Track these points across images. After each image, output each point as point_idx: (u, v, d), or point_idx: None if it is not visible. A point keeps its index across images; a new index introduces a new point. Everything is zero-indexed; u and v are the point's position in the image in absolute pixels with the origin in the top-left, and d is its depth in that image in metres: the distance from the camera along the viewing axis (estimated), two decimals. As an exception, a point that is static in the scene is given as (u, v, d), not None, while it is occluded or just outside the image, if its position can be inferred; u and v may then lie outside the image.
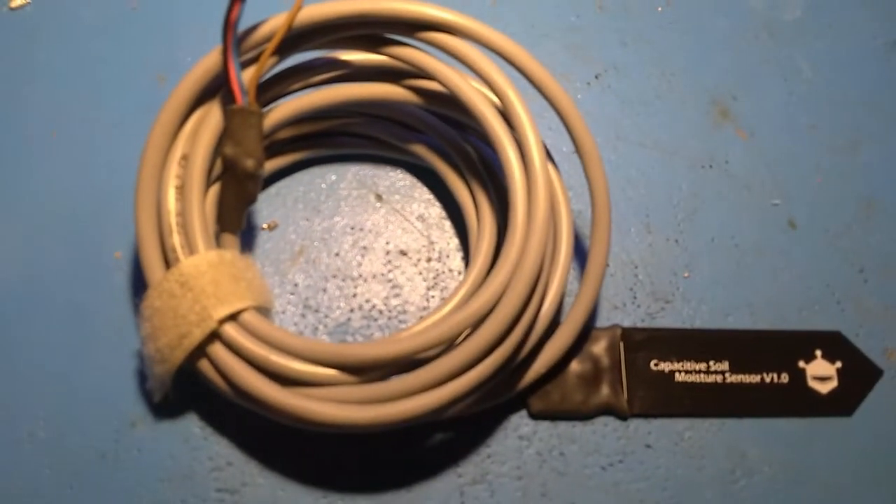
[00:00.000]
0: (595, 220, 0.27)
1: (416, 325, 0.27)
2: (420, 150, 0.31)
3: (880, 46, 0.36)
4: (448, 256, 0.31)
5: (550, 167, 0.28)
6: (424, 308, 0.30)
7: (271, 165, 0.31)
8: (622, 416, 0.29)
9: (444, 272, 0.31)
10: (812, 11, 0.37)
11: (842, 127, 0.35)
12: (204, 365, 0.25)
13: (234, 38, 0.24)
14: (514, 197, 0.26)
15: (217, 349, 0.25)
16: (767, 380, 0.30)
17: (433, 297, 0.31)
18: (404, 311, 0.30)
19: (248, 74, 0.26)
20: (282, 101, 0.29)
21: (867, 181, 0.34)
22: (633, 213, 0.32)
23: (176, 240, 0.25)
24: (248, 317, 0.25)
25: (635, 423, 0.29)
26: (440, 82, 0.27)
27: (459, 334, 0.25)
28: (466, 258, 0.31)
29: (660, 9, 0.36)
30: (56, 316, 0.29)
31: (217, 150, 0.26)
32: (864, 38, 0.36)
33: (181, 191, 0.26)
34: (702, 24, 0.36)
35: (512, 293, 0.25)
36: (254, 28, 0.25)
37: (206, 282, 0.25)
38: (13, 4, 0.34)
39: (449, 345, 0.26)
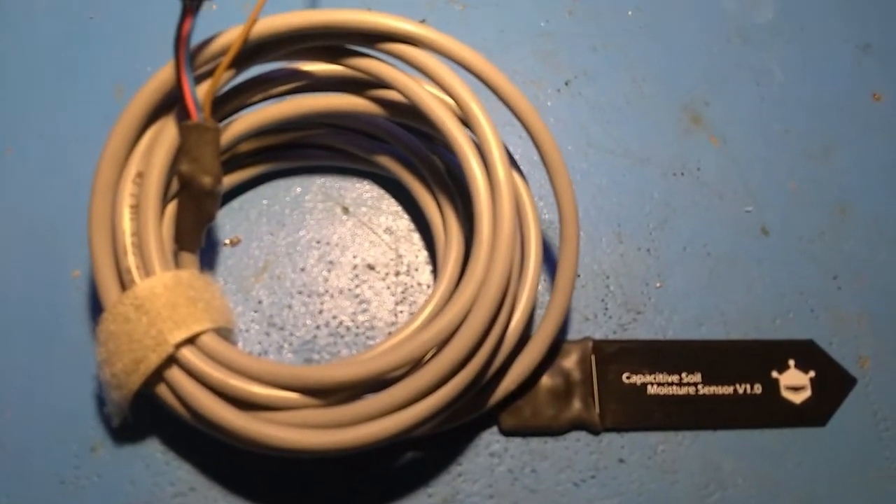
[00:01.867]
0: (563, 232, 0.27)
1: (381, 345, 0.26)
2: (386, 161, 0.30)
3: (852, 50, 0.36)
4: (417, 270, 0.31)
5: (517, 177, 0.27)
6: (393, 323, 0.30)
7: (233, 179, 0.30)
8: (594, 431, 0.28)
9: (412, 286, 0.30)
10: (784, 14, 0.36)
11: (815, 132, 0.34)
12: (162, 390, 0.24)
13: (186, 53, 0.23)
14: (478, 209, 0.25)
15: (174, 374, 0.24)
16: (741, 391, 0.29)
17: (402, 311, 0.30)
18: (372, 328, 0.30)
19: (203, 89, 0.25)
20: (241, 113, 0.28)
21: (840, 187, 0.33)
22: (604, 222, 0.32)
23: (131, 261, 0.25)
24: (207, 339, 0.24)
25: (608, 438, 0.28)
26: (400, 92, 0.26)
27: (425, 353, 0.24)
28: (436, 272, 0.30)
29: (630, 13, 0.35)
30: (13, 336, 0.28)
31: (173, 167, 0.26)
32: (836, 42, 0.36)
33: (136, 210, 0.25)
34: (673, 28, 0.35)
35: (479, 310, 0.24)
36: (208, 41, 0.25)
37: (161, 305, 0.24)
38: (-35, 15, 0.33)
39: (415, 364, 0.25)
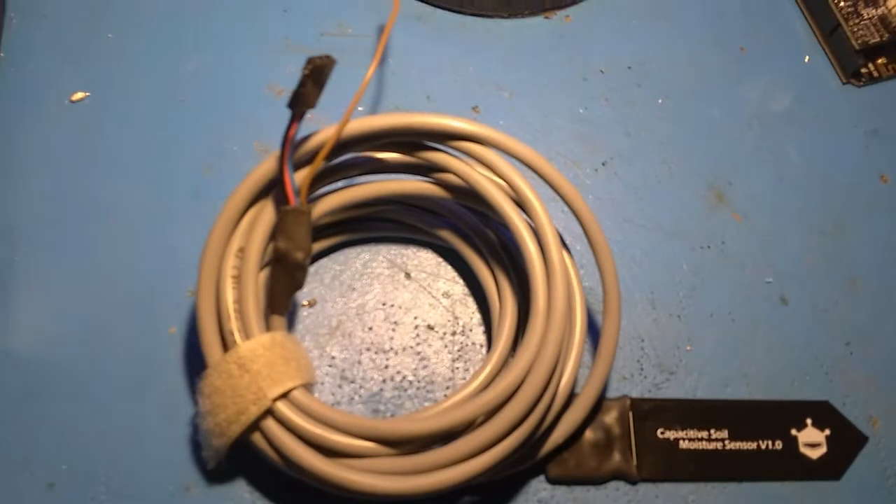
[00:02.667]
0: (606, 306, 0.30)
1: (447, 401, 0.30)
2: (446, 234, 0.34)
3: (861, 135, 0.40)
4: (471, 330, 0.34)
5: (565, 254, 0.31)
6: (450, 379, 0.33)
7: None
8: (632, 481, 0.32)
9: (467, 345, 0.34)
10: (799, 103, 0.40)
11: (827, 210, 0.38)
12: (257, 438, 0.28)
13: (291, 150, 0.27)
14: (534, 286, 0.29)
15: (270, 424, 0.28)
16: (763, 446, 0.32)
17: (458, 368, 0.34)
18: (432, 382, 0.33)
19: (300, 178, 0.29)
20: (324, 191, 0.32)
21: (852, 261, 0.37)
22: (638, 289, 0.35)
23: (233, 325, 0.28)
24: (298, 394, 0.28)
25: (644, 487, 0.32)
26: (467, 182, 0.30)
27: (488, 412, 0.28)
28: (488, 332, 0.34)
29: (660, 101, 0.39)
30: (117, 387, 0.32)
31: (269, 242, 0.30)
32: (846, 128, 0.40)
33: (238, 280, 0.29)
34: (699, 114, 0.39)
35: (535, 375, 0.28)
36: (306, 139, 0.29)
37: (261, 364, 0.28)
38: (74, 98, 0.37)
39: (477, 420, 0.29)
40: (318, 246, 0.34)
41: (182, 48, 0.38)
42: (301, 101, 0.26)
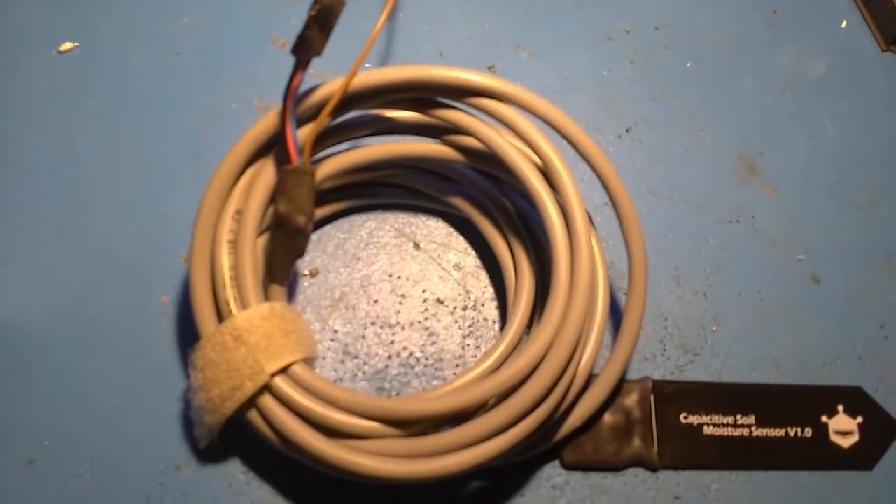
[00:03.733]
0: (632, 282, 0.28)
1: (458, 380, 0.28)
2: (458, 201, 0.32)
3: (901, 105, 0.37)
4: (483, 305, 0.32)
5: (591, 229, 0.29)
6: (460, 356, 0.31)
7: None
8: (652, 468, 0.30)
9: (479, 321, 0.32)
10: (835, 70, 0.38)
11: (863, 183, 0.36)
12: (253, 416, 0.26)
13: (293, 103, 0.25)
14: (557, 259, 0.27)
15: (267, 401, 0.26)
16: (792, 434, 0.30)
17: (469, 345, 0.31)
18: (441, 359, 0.31)
19: (303, 134, 0.26)
20: (328, 153, 0.30)
21: (888, 238, 0.35)
22: (662, 265, 0.33)
23: (229, 293, 0.26)
24: (297, 369, 0.26)
25: (665, 475, 0.30)
26: (484, 143, 0.28)
27: (504, 391, 0.26)
28: (501, 308, 0.32)
29: (689, 65, 0.37)
30: (104, 358, 0.30)
31: (268, 205, 0.27)
32: (885, 97, 0.38)
33: (234, 245, 0.27)
34: (729, 80, 0.37)
35: (555, 354, 0.25)
36: (310, 92, 0.26)
37: (258, 336, 0.25)
38: (62, 49, 0.34)
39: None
40: (321, 212, 0.32)
41: (177, -3, 0.36)
42: (306, 47, 0.24)
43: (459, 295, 0.32)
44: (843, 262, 0.34)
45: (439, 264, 0.33)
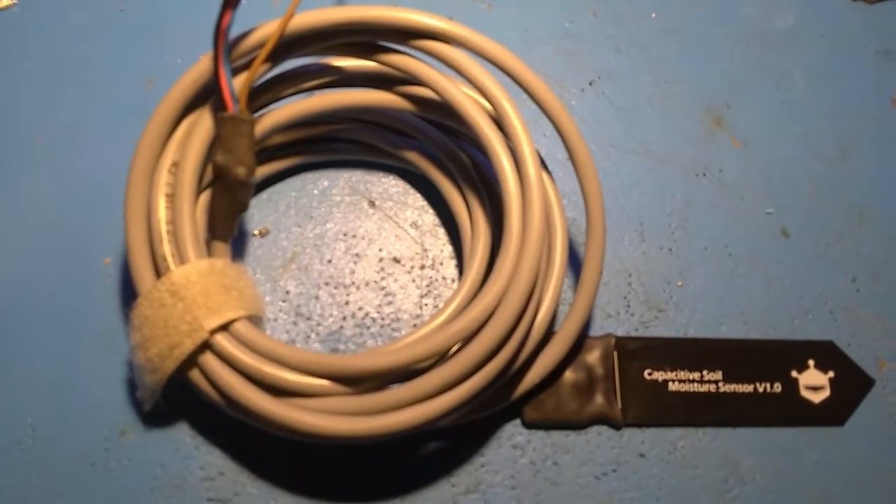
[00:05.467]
0: (589, 231, 0.27)
1: (410, 336, 0.26)
2: (413, 156, 0.31)
3: (872, 55, 0.36)
4: (441, 264, 0.31)
5: (545, 176, 0.28)
6: (418, 316, 0.30)
7: (262, 171, 0.30)
8: (616, 426, 0.29)
9: (437, 280, 0.31)
10: (804, 20, 0.37)
11: (834, 135, 0.35)
12: (195, 375, 0.25)
13: (225, 46, 0.24)
14: (508, 208, 0.25)
15: (208, 359, 0.24)
16: (760, 389, 0.30)
17: (426, 304, 0.30)
18: (397, 319, 0.30)
19: (240, 81, 0.25)
20: (273, 106, 0.29)
21: (859, 190, 0.34)
22: (626, 220, 0.32)
23: (166, 248, 0.25)
24: (240, 326, 0.25)
25: (629, 433, 0.29)
26: (434, 90, 0.27)
27: (454, 345, 0.25)
28: (460, 266, 0.31)
29: (654, 15, 0.36)
30: (46, 322, 0.29)
31: (208, 157, 0.26)
32: (855, 47, 0.36)
33: (171, 199, 0.25)
34: (695, 31, 0.36)
35: (507, 305, 0.24)
36: (245, 35, 0.25)
37: (197, 291, 0.24)
38: (1, 5, 0.33)
39: (443, 355, 0.26)
40: (271, 168, 0.31)
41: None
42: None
43: (416, 254, 0.31)
44: (813, 214, 0.33)
45: (395, 222, 0.31)
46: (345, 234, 0.31)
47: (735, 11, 0.37)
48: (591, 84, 0.34)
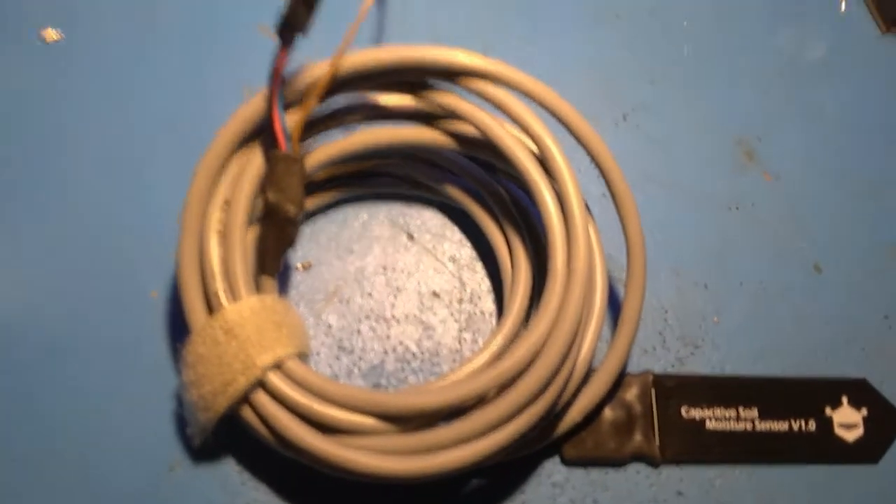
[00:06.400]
0: (630, 272, 0.27)
1: (455, 373, 0.27)
2: (453, 191, 0.31)
3: (903, 89, 0.37)
4: (480, 298, 0.31)
5: (588, 218, 0.28)
6: (457, 350, 0.31)
7: (306, 204, 0.31)
8: (654, 464, 0.29)
9: (476, 314, 0.31)
10: (836, 52, 0.37)
11: (865, 169, 0.35)
12: (246, 412, 0.25)
13: (280, 86, 0.24)
14: (553, 247, 0.26)
15: (261, 397, 0.25)
16: (795, 427, 0.30)
17: (465, 339, 0.31)
18: (437, 354, 0.30)
19: (292, 120, 0.26)
20: (318, 140, 0.29)
21: (891, 226, 0.34)
22: (661, 256, 0.33)
23: (219, 285, 0.25)
24: (291, 364, 0.25)
25: (667, 471, 0.29)
26: (479, 129, 0.27)
27: (502, 384, 0.25)
28: (498, 300, 0.31)
29: (685, 49, 0.36)
30: (95, 356, 0.29)
31: (258, 194, 0.26)
32: (886, 80, 0.37)
33: (223, 236, 0.26)
34: (727, 64, 0.36)
35: (553, 345, 0.25)
36: (298, 74, 0.26)
37: (249, 329, 0.25)
38: (48, 39, 0.34)
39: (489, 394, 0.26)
40: (313, 203, 0.31)
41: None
42: (291, 24, 0.23)
43: (455, 287, 0.31)
44: (846, 250, 0.33)
45: (434, 256, 0.32)
46: (385, 268, 0.31)
47: (767, 44, 0.37)
48: (625, 117, 0.35)
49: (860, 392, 0.31)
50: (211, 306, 0.26)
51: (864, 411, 0.31)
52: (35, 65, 0.33)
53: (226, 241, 0.26)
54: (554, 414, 0.27)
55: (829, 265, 0.33)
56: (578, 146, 0.27)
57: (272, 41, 0.34)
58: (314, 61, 0.26)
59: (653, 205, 0.34)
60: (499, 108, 0.27)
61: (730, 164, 0.35)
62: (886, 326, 0.32)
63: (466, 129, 0.29)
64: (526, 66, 0.35)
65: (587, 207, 0.29)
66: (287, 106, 0.26)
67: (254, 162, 0.26)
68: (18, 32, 0.34)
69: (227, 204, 0.26)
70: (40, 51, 0.34)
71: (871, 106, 0.36)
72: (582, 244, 0.26)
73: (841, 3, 0.39)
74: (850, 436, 0.30)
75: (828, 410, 0.30)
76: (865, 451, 0.30)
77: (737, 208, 0.34)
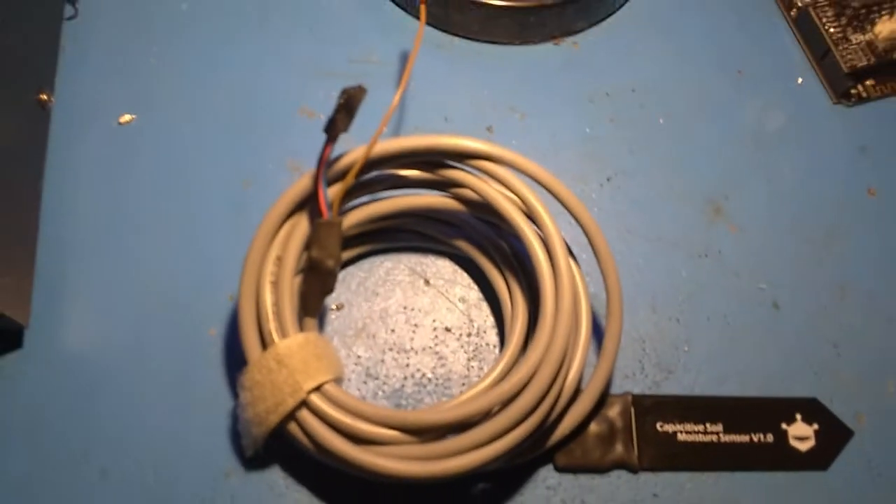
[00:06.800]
0: (609, 309, 0.33)
1: (464, 395, 0.33)
2: (462, 244, 0.37)
3: (851, 151, 0.43)
4: (485, 332, 0.37)
5: (572, 262, 0.34)
6: (465, 376, 0.36)
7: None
8: (633, 470, 0.34)
9: (482, 346, 0.37)
10: (792, 122, 0.43)
11: (818, 222, 0.41)
12: (292, 427, 0.31)
13: (325, 169, 0.31)
14: (543, 290, 0.32)
15: (305, 415, 0.31)
16: (755, 439, 0.35)
17: (473, 367, 0.37)
18: (449, 379, 0.36)
19: (333, 192, 0.32)
20: (352, 204, 0.35)
21: (840, 269, 0.40)
22: (640, 295, 0.38)
23: (272, 325, 0.32)
24: (329, 388, 0.31)
25: (644, 477, 0.35)
26: (483, 198, 0.33)
27: (500, 404, 0.31)
28: (501, 335, 0.37)
29: (661, 121, 0.42)
30: (162, 383, 0.35)
31: (304, 250, 0.33)
32: (836, 145, 0.43)
33: (275, 285, 0.32)
34: (697, 133, 0.42)
35: (543, 371, 0.30)
36: (338, 158, 0.32)
37: (297, 360, 0.31)
38: (122, 120, 0.40)
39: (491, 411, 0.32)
40: (345, 255, 0.37)
41: (219, 72, 0.42)
42: (335, 128, 0.29)
43: (464, 324, 0.37)
44: (801, 289, 0.39)
45: (447, 297, 0.38)
46: (405, 308, 0.37)
47: (732, 116, 0.43)
48: (608, 180, 0.41)
49: (812, 409, 0.36)
50: (265, 342, 0.32)
51: (816, 426, 0.36)
52: (114, 143, 0.40)
53: (277, 289, 0.32)
54: (546, 428, 0.32)
55: (786, 302, 0.39)
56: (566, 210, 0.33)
57: (310, 120, 0.41)
58: (350, 147, 0.32)
59: (633, 253, 0.39)
60: (498, 180, 0.33)
61: (700, 219, 0.40)
62: (836, 354, 0.38)
63: (472, 195, 0.35)
64: (525, 138, 0.42)
65: (572, 254, 0.35)
66: (329, 181, 0.33)
67: (301, 226, 0.33)
68: (98, 115, 0.40)
69: (279, 259, 0.32)
70: (117, 131, 0.40)
71: (823, 167, 0.42)
72: (566, 287, 0.32)
73: (798, 77, 0.45)
74: (803, 446, 0.35)
75: (783, 425, 0.36)
76: (816, 460, 0.35)
77: (706, 255, 0.40)
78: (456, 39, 0.44)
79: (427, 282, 0.38)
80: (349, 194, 0.34)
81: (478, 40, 0.44)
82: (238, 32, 0.43)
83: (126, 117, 0.41)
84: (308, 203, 0.33)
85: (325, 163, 0.30)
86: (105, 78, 0.41)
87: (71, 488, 0.33)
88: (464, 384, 0.36)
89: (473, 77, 0.43)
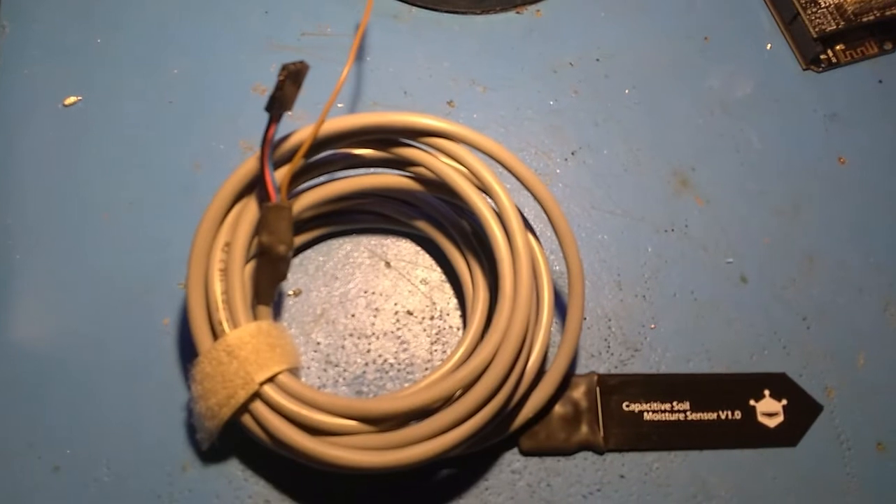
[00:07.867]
0: (571, 286, 0.32)
1: (423, 381, 0.32)
2: (422, 224, 0.36)
3: (820, 118, 0.42)
4: (448, 315, 0.36)
5: (532, 239, 0.33)
6: (429, 360, 0.35)
7: (295, 241, 0.36)
8: (599, 451, 0.34)
9: (445, 329, 0.36)
10: (761, 88, 0.42)
11: (787, 192, 0.40)
12: (247, 420, 0.30)
13: (269, 150, 0.29)
14: (501, 269, 0.31)
15: (258, 406, 0.30)
16: (723, 416, 0.35)
17: (436, 350, 0.36)
18: (412, 364, 0.35)
19: (280, 175, 0.31)
20: (307, 185, 0.34)
21: (809, 240, 0.39)
22: (605, 272, 0.38)
23: (222, 315, 0.30)
24: (283, 378, 0.30)
25: (611, 457, 0.34)
26: (438, 175, 0.32)
27: (461, 389, 0.30)
28: (464, 316, 0.36)
29: (627, 91, 0.41)
30: (114, 374, 0.34)
31: (253, 235, 0.31)
32: (806, 112, 0.42)
33: (225, 273, 0.31)
34: (664, 103, 0.41)
35: (503, 353, 0.30)
36: (284, 139, 0.31)
37: (248, 351, 0.30)
38: (67, 102, 0.39)
39: (452, 397, 0.31)
40: (301, 238, 0.36)
41: (168, 51, 0.40)
42: (277, 105, 0.28)
43: (427, 307, 0.36)
44: (769, 262, 0.38)
45: (408, 280, 0.37)
46: (365, 292, 0.36)
47: (699, 84, 0.42)
48: (573, 154, 0.40)
49: (781, 385, 0.36)
50: (215, 332, 0.31)
51: (785, 401, 0.35)
52: (59, 125, 0.38)
53: (227, 277, 0.31)
54: (508, 411, 0.31)
55: (754, 276, 0.38)
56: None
57: (262, 98, 0.39)
58: (302, 124, 0.31)
59: (598, 229, 0.38)
60: (452, 157, 0.32)
61: (667, 192, 0.39)
62: (805, 327, 0.37)
63: (430, 175, 0.34)
64: (488, 112, 0.40)
65: (533, 231, 0.34)
66: (278, 162, 0.31)
67: (249, 210, 0.31)
68: (44, 97, 0.39)
69: (228, 246, 0.31)
70: (62, 113, 0.39)
71: (792, 135, 0.41)
72: (525, 265, 0.31)
73: (767, 43, 0.43)
74: (772, 423, 0.35)
75: (752, 401, 0.35)
76: (785, 436, 0.35)
77: (672, 230, 0.39)
78: (414, 9, 0.42)
79: (388, 264, 0.37)
80: (302, 175, 0.33)
81: (437, 9, 0.42)
82: (187, 8, 0.41)
83: (71, 99, 0.39)
84: (257, 186, 0.31)
85: (269, 143, 0.29)
86: (49, 58, 0.40)
87: (22, 484, 0.32)
88: (427, 369, 0.35)
89: (433, 48, 0.41)
